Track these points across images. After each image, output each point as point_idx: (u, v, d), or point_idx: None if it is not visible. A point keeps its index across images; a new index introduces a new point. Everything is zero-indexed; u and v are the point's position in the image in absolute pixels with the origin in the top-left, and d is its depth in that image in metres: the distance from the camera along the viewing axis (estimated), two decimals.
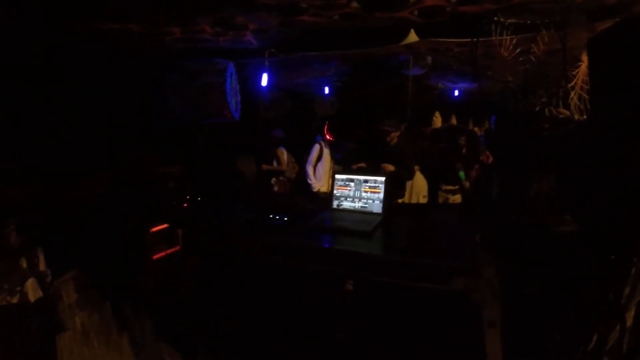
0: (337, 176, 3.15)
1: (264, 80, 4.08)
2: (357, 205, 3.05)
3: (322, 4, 2.95)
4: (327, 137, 4.92)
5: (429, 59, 4.76)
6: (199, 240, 3.27)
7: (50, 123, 3.78)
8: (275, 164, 5.50)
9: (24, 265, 3.76)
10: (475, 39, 3.20)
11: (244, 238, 2.89)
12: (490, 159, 4.52)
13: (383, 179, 3.00)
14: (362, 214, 2.98)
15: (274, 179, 5.45)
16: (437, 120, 6.47)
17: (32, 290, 3.68)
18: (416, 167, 4.47)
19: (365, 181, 3.05)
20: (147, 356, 3.35)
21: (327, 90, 6.14)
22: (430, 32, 3.62)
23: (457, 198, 5.00)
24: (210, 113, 4.06)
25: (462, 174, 4.79)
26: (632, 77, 2.34)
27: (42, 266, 3.90)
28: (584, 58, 2.81)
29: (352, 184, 3.09)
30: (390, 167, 4.24)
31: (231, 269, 3.14)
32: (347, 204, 3.08)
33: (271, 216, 3.02)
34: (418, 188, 4.54)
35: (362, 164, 4.37)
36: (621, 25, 2.40)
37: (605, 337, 2.24)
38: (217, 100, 4.10)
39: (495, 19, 3.12)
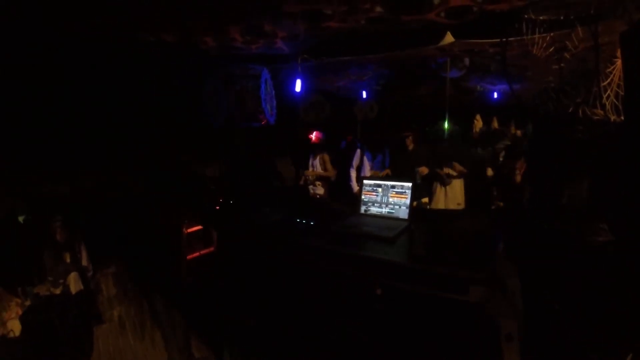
0: (365, 181, 3.22)
1: (298, 85, 4.21)
2: (384, 210, 3.10)
3: (347, 10, 3.04)
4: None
5: (467, 61, 4.69)
6: (229, 240, 3.44)
7: (94, 124, 4.12)
8: (320, 168, 5.39)
9: (68, 259, 4.15)
10: (504, 39, 3.14)
11: (270, 239, 3.04)
12: (524, 167, 4.41)
13: (410, 184, 3.03)
14: (388, 220, 3.02)
15: (317, 183, 5.39)
16: (478, 124, 6.32)
17: (74, 283, 4.07)
18: (453, 172, 4.47)
19: (393, 187, 3.09)
20: (177, 349, 3.58)
21: (364, 94, 6.23)
22: (462, 33, 3.60)
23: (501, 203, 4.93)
24: (246, 117, 4.26)
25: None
26: None
27: (84, 261, 4.27)
28: (619, 54, 2.69)
29: (379, 189, 3.14)
30: (425, 170, 4.37)
31: (257, 268, 3.31)
32: (374, 209, 3.14)
33: (298, 219, 3.15)
34: (453, 194, 4.51)
35: (388, 171, 4.70)
36: None
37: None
38: (253, 105, 4.30)
39: (526, 16, 3.06)
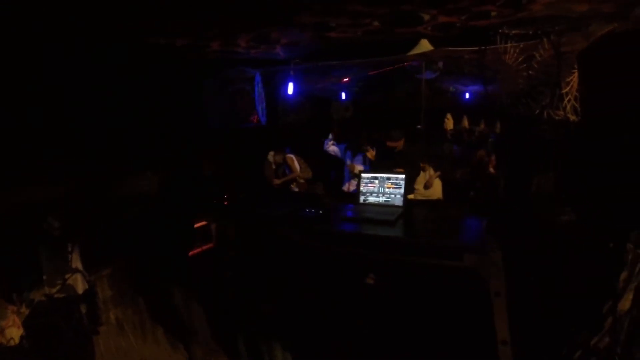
0: (364, 175, 3.81)
1: (290, 89, 4.72)
2: (381, 199, 3.71)
3: (350, 23, 3.62)
4: None
5: (440, 64, 5.38)
6: (242, 231, 3.90)
7: (94, 124, 4.38)
8: (287, 172, 5.93)
9: (65, 261, 4.33)
10: (483, 47, 3.84)
11: (285, 227, 3.57)
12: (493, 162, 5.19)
13: (403, 176, 3.66)
14: (386, 207, 3.64)
15: (293, 184, 5.99)
16: (449, 122, 7.09)
17: (79, 283, 4.30)
18: (434, 172, 5.15)
19: (388, 178, 3.70)
20: (184, 345, 3.98)
21: (343, 95, 6.83)
22: (443, 42, 4.28)
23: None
24: (241, 118, 4.72)
25: None
26: (618, 85, 3.00)
27: (80, 263, 4.46)
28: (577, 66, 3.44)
29: (376, 181, 3.74)
30: (400, 171, 5.08)
31: (270, 257, 3.81)
32: (372, 199, 3.74)
33: (307, 210, 3.71)
34: (433, 190, 5.22)
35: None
36: (607, 39, 3.06)
37: (604, 319, 2.85)
38: (245, 106, 4.77)
39: (500, 30, 3.78)
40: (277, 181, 5.86)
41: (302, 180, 5.97)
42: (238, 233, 4.14)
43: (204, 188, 4.53)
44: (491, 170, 5.19)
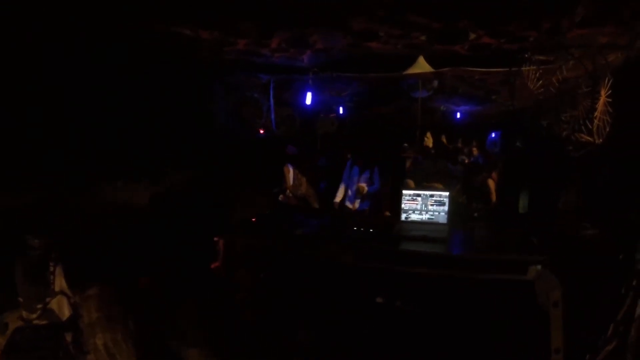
0: (405, 192, 3.85)
1: (308, 99, 4.63)
2: (424, 217, 3.78)
3: (399, 34, 3.68)
4: None
5: (435, 83, 5.66)
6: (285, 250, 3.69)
7: (83, 129, 3.94)
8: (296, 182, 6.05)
9: (53, 284, 3.86)
10: (513, 69, 4.14)
11: (332, 247, 3.49)
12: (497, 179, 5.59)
13: (447, 194, 3.77)
14: (431, 225, 3.73)
15: (281, 196, 6.00)
16: (429, 141, 7.44)
17: (62, 308, 3.81)
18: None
19: (431, 196, 3.79)
20: None
21: (341, 110, 6.89)
22: (464, 62, 4.53)
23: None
24: (248, 126, 4.52)
25: None
26: None
27: (64, 283, 3.98)
28: (602, 92, 3.87)
29: (419, 198, 3.81)
30: (412, 184, 5.27)
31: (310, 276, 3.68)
32: (414, 217, 3.80)
33: (355, 228, 3.67)
34: None
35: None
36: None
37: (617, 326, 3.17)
38: (254, 115, 4.60)
39: (526, 55, 4.10)
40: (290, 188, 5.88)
41: (290, 194, 5.90)
42: (261, 252, 3.94)
43: (216, 201, 4.25)
44: (492, 189, 5.55)
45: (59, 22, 3.32)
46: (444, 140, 7.44)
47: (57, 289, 3.82)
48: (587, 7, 2.96)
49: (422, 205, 3.80)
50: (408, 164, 5.97)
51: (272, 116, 4.49)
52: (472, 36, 3.73)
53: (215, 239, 4.09)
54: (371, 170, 5.82)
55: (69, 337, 3.75)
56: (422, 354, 3.43)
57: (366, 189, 5.79)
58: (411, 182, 5.22)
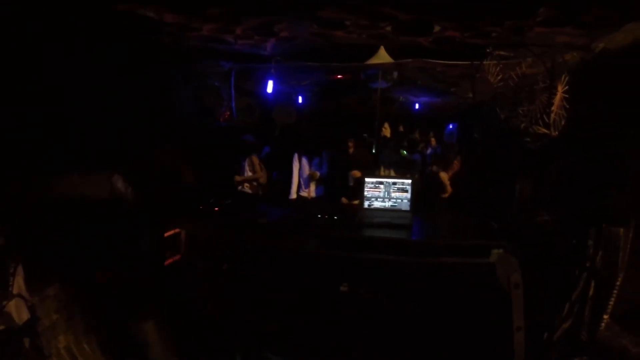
0: (367, 180, 3.91)
1: (270, 87, 4.59)
2: (387, 204, 3.86)
3: (366, 25, 3.70)
4: None
5: (395, 74, 5.76)
6: (249, 238, 3.66)
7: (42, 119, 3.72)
8: (249, 172, 6.07)
9: (12, 286, 3.62)
10: (476, 62, 4.27)
11: (296, 235, 3.51)
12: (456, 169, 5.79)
13: (410, 181, 3.86)
14: (394, 212, 3.81)
15: (246, 185, 6.03)
16: (386, 131, 7.58)
17: (20, 311, 3.59)
18: None
19: (394, 183, 3.87)
20: None
21: (300, 99, 6.88)
22: (425, 54, 4.62)
23: None
24: (208, 115, 4.43)
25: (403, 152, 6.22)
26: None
27: (23, 285, 3.74)
28: (559, 88, 4.07)
29: (382, 186, 3.88)
30: (358, 174, 5.43)
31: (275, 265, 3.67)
32: (377, 204, 3.87)
33: (319, 216, 3.69)
34: None
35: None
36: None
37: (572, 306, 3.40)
38: (214, 103, 4.51)
39: (488, 50, 4.25)
40: (238, 178, 5.99)
41: (256, 183, 5.93)
42: (225, 242, 3.90)
43: (178, 191, 4.14)
44: (445, 178, 5.75)
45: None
46: (402, 130, 7.63)
47: (15, 291, 3.59)
48: (550, 8, 3.11)
49: (385, 193, 3.87)
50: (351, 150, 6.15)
51: (233, 104, 4.43)
52: (437, 28, 3.82)
53: (177, 230, 4.02)
54: (320, 157, 6.11)
55: (27, 343, 3.55)
56: (389, 338, 3.53)
57: (318, 174, 6.09)
58: (357, 172, 5.44)
